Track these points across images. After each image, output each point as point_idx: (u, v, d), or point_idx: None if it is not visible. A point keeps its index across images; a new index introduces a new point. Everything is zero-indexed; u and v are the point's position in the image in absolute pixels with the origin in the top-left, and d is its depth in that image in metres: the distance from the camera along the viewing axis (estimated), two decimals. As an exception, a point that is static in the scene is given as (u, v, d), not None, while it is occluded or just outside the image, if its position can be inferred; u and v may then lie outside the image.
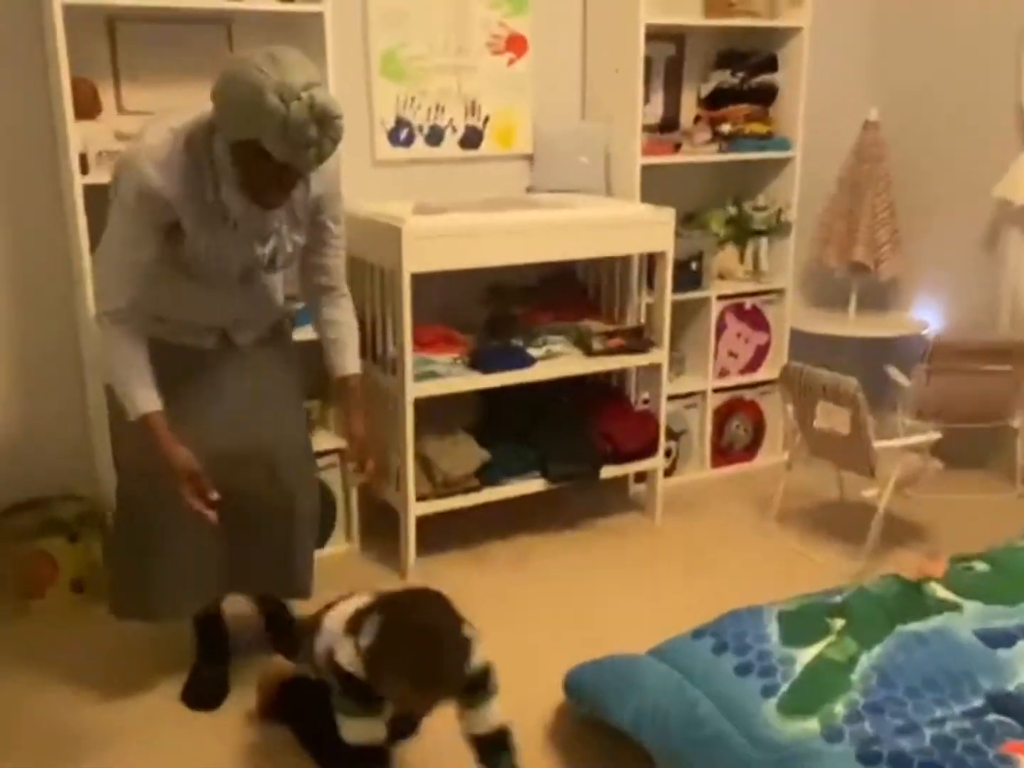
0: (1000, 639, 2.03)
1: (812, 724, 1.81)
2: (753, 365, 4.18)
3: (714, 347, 4.03)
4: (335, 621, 2.12)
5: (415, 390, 3.18)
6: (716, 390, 4.09)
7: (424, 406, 3.22)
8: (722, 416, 4.16)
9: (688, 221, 4.05)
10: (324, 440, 3.39)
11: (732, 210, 4.10)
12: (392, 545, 3.37)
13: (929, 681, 1.89)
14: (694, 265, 3.89)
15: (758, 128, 3.95)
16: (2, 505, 3.19)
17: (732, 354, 4.13)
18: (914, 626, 2.08)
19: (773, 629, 2.10)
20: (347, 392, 2.51)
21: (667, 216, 3.43)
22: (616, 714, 2.12)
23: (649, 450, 3.64)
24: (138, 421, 2.17)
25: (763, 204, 4.07)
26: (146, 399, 2.17)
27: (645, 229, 3.43)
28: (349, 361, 2.48)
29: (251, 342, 2.44)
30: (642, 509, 3.80)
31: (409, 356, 3.16)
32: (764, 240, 4.10)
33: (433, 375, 3.23)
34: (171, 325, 2.33)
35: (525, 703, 2.46)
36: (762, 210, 4.06)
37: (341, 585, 3.18)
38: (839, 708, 1.83)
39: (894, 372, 3.98)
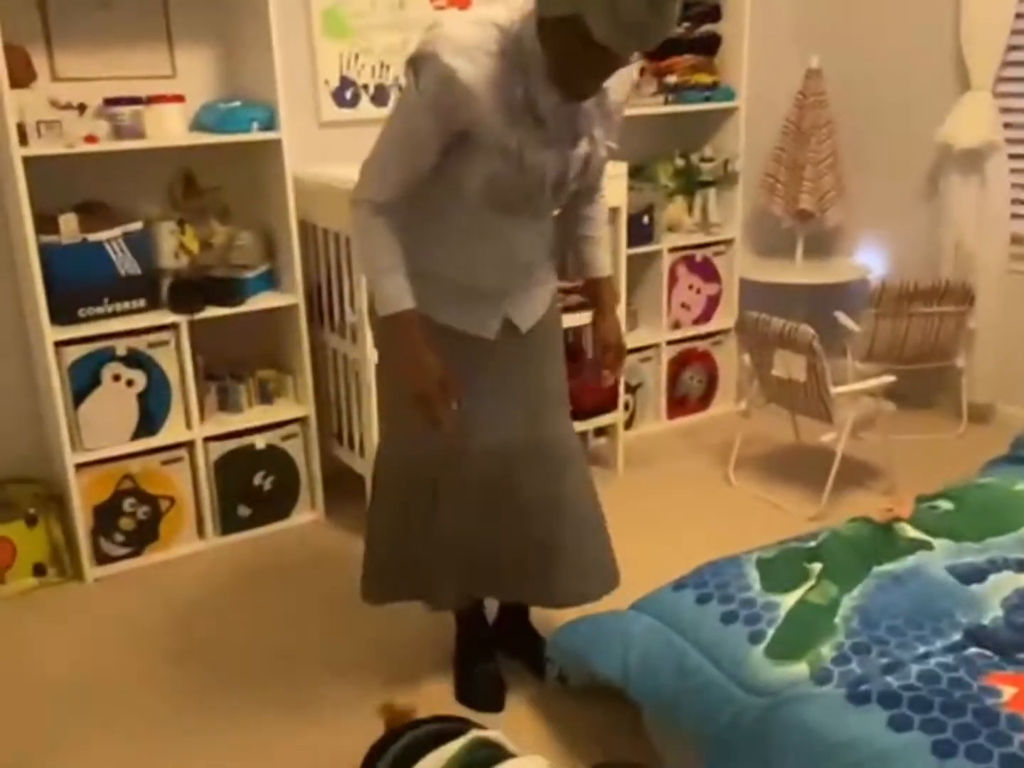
0: (972, 575, 2.10)
1: (801, 667, 1.86)
2: (705, 316, 4.22)
3: (667, 300, 4.06)
4: None
5: (375, 356, 3.14)
6: (670, 342, 4.13)
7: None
8: (676, 368, 4.20)
9: (636, 174, 4.04)
10: (284, 409, 3.35)
11: (679, 162, 4.11)
12: (357, 512, 3.35)
13: (910, 619, 1.95)
14: (645, 219, 3.90)
15: (703, 78, 3.95)
16: (-48, 490, 3.10)
17: (684, 306, 4.16)
18: (889, 566, 2.14)
19: (753, 576, 2.14)
20: (602, 294, 2.29)
21: (619, 170, 3.41)
22: (605, 669, 2.15)
23: (608, 405, 3.67)
24: (390, 316, 2.01)
25: (710, 155, 4.09)
26: (403, 293, 1.99)
27: (599, 184, 3.41)
28: (604, 261, 2.29)
29: (533, 325, 2.22)
30: (604, 463, 3.83)
31: (366, 322, 3.11)
32: (712, 191, 4.12)
33: (393, 340, 3.19)
34: (451, 299, 2.12)
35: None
36: (709, 161, 4.08)
37: (309, 554, 3.20)
38: (826, 650, 1.88)
39: (843, 317, 4.06)
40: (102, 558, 3.11)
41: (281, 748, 2.31)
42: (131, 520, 3.13)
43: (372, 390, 3.15)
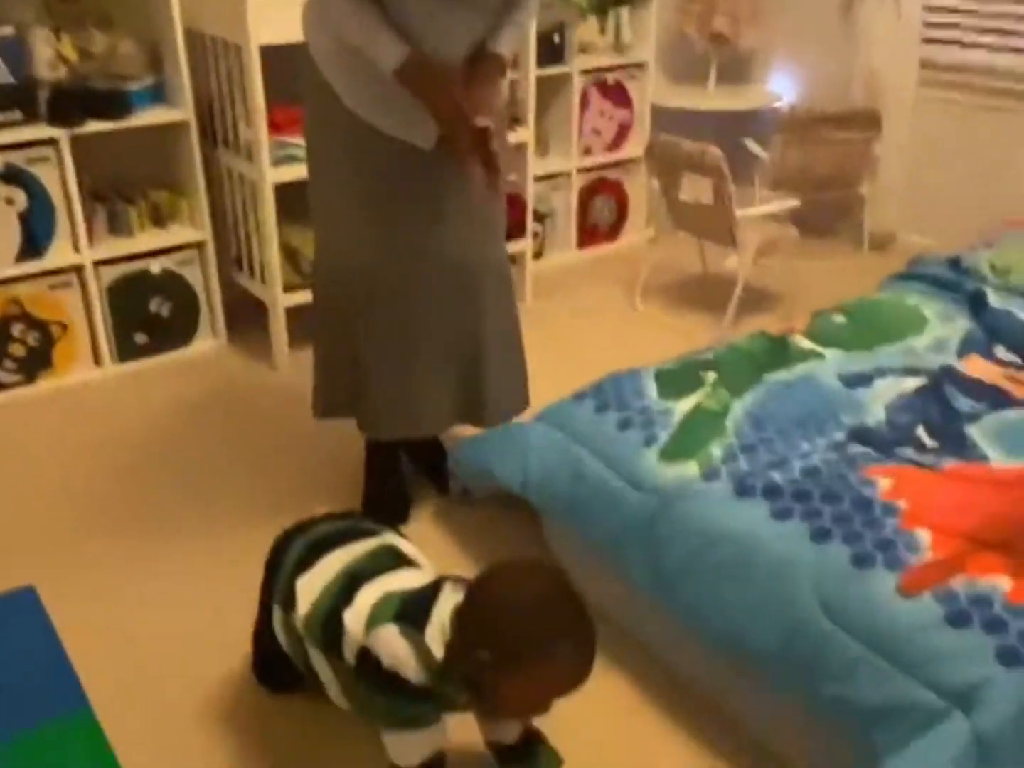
0: (859, 381, 2.17)
1: (691, 467, 1.91)
2: (616, 143, 4.14)
3: (578, 125, 3.96)
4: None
5: (273, 176, 3.02)
6: (580, 170, 4.05)
7: (286, 193, 3.06)
8: (587, 196, 4.14)
9: (547, -10, 3.87)
10: (179, 234, 3.22)
11: (593, -22, 3.94)
12: (261, 338, 3.30)
13: (797, 421, 2.01)
14: (556, 38, 3.75)
15: None
16: None
17: (596, 131, 4.07)
18: (781, 375, 2.19)
19: (651, 386, 2.17)
20: (482, 63, 2.03)
21: (528, -19, 3.25)
22: (504, 478, 2.18)
23: (516, 232, 3.61)
24: (405, 63, 1.90)
25: (624, -29, 3.92)
26: (401, 44, 1.90)
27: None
28: (504, 39, 2.05)
29: None
30: (512, 292, 3.81)
31: (265, 140, 2.97)
32: (625, 10, 3.97)
33: (292, 159, 3.06)
34: (393, 105, 2.02)
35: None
36: (623, -23, 3.91)
37: (211, 381, 3.15)
38: (715, 451, 1.94)
39: (752, 144, 4.03)
40: (-8, 386, 3.02)
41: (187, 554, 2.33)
42: (21, 346, 3.02)
43: (271, 212, 3.04)
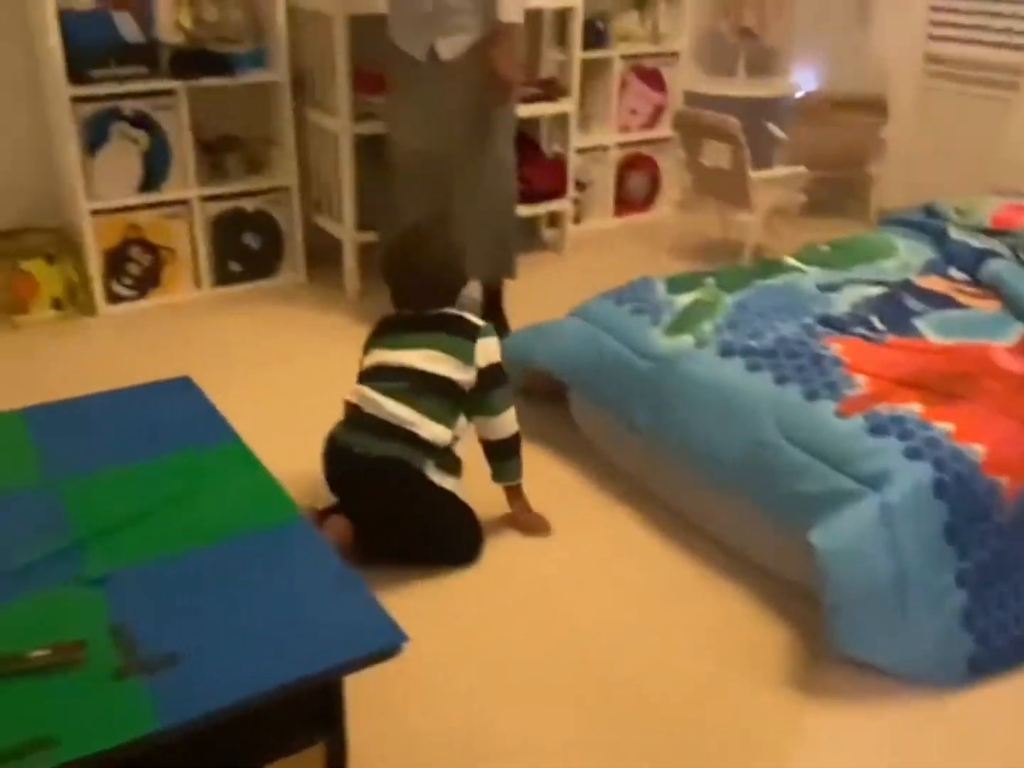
0: (831, 288, 2.64)
1: (687, 338, 2.40)
2: (651, 123, 4.65)
3: (617, 104, 4.48)
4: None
5: (353, 129, 3.56)
6: (619, 145, 4.56)
7: (362, 145, 3.59)
8: (624, 169, 4.65)
9: (594, -15, 4.39)
10: (270, 178, 3.78)
11: (634, -25, 4.46)
12: (335, 274, 3.83)
13: (775, 309, 2.48)
14: (599, 24, 4.27)
15: None
16: (-22, 234, 3.52)
17: (633, 112, 4.58)
18: (769, 280, 2.67)
19: (661, 286, 2.66)
20: (494, 35, 2.92)
21: (575, -30, 3.78)
22: (539, 357, 2.69)
23: (559, 191, 4.13)
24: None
25: (663, -31, 4.43)
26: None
27: (556, -17, 3.79)
28: (506, 5, 2.88)
29: (453, 59, 2.95)
30: (553, 249, 4.32)
31: (347, 98, 3.52)
32: (663, 4, 4.48)
33: (369, 116, 3.59)
34: (405, 21, 3.00)
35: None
36: (662, -25, 4.43)
37: (291, 312, 3.68)
38: (707, 327, 2.42)
39: (773, 128, 4.51)
40: (112, 297, 3.58)
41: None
42: (137, 266, 3.59)
43: (350, 161, 3.58)
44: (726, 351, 2.32)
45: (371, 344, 2.32)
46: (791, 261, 2.81)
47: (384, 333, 2.30)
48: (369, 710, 1.79)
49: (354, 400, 2.22)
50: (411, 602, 2.10)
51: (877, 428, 2.00)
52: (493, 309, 3.39)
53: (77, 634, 1.30)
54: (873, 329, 2.38)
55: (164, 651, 1.27)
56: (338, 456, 2.20)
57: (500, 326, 3.18)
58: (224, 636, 1.30)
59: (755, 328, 2.39)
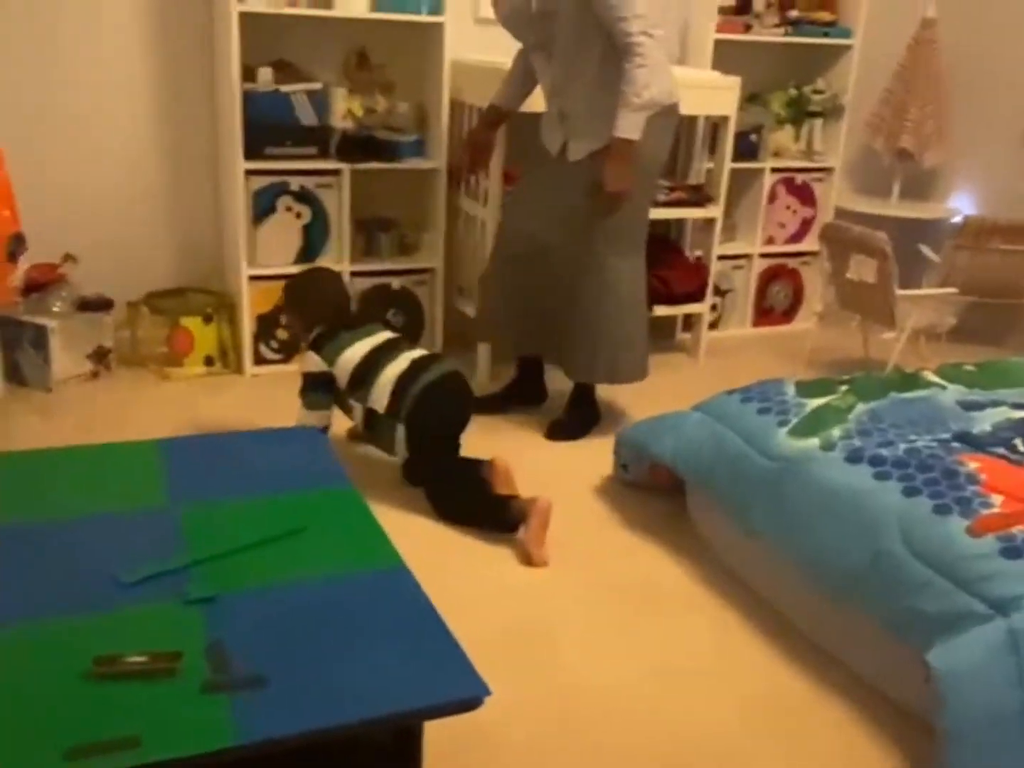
0: (973, 406, 2.53)
1: (813, 442, 2.34)
2: (798, 236, 4.64)
3: (764, 216, 4.49)
4: None
5: (499, 217, 3.69)
6: (762, 255, 4.56)
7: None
8: (766, 280, 4.63)
9: (751, 100, 4.47)
10: (418, 259, 3.94)
11: (792, 92, 4.51)
12: (471, 356, 3.92)
13: (910, 422, 2.39)
14: (753, 137, 4.33)
15: (823, 16, 4.35)
16: (150, 289, 3.78)
17: (780, 224, 4.58)
18: (906, 394, 2.59)
19: (791, 388, 2.62)
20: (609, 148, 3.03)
21: (733, 83, 3.87)
22: (658, 451, 2.67)
23: (698, 295, 4.14)
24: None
25: (821, 88, 4.48)
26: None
27: (712, 93, 3.87)
28: (619, 121, 2.93)
29: (580, 160, 3.07)
30: (687, 351, 4.31)
31: (498, 189, 3.66)
32: (819, 122, 4.52)
33: (517, 206, 3.72)
34: (546, 119, 3.22)
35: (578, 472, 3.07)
36: (820, 93, 4.48)
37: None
38: (835, 432, 2.35)
39: (925, 249, 4.42)
40: (259, 359, 3.77)
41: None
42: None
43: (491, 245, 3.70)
44: (854, 457, 2.24)
45: (341, 348, 2.86)
46: (932, 376, 2.72)
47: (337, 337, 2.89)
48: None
49: (404, 367, 2.78)
50: (506, 673, 2.08)
51: (1010, 551, 1.88)
52: (583, 398, 3.44)
53: (175, 646, 1.34)
54: (1015, 451, 2.26)
55: (253, 672, 1.29)
56: (444, 388, 2.82)
57: (591, 414, 3.43)
58: (312, 666, 1.32)
59: (887, 438, 2.31)
